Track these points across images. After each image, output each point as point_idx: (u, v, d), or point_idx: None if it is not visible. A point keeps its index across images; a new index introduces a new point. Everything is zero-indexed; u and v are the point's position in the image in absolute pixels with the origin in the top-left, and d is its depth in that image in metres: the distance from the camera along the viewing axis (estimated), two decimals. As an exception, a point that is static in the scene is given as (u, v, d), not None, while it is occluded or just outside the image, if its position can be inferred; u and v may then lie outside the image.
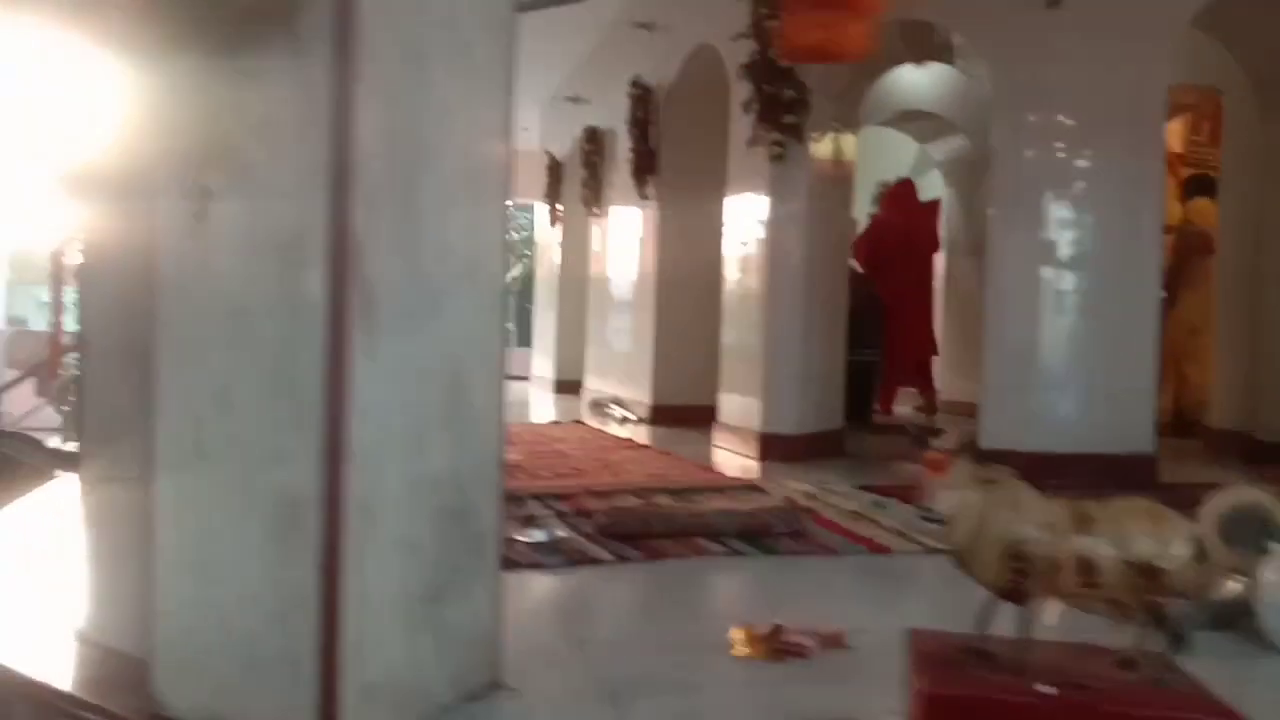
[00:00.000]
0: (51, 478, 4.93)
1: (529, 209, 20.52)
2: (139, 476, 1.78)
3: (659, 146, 6.53)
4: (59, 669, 1.92)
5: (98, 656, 1.97)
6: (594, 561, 2.82)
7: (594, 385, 7.97)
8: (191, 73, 1.62)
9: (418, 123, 1.69)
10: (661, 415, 6.43)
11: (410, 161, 1.68)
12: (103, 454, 4.03)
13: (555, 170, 9.26)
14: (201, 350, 1.67)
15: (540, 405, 8.52)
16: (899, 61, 6.15)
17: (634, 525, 3.08)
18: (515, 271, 18.34)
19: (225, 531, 1.64)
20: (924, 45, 5.98)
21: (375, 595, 1.61)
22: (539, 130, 10.25)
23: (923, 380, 7.00)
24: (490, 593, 1.88)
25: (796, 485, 4.06)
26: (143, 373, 3.95)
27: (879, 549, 3.09)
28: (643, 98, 6.58)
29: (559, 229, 9.40)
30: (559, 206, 9.32)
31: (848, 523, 3.38)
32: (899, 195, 7.00)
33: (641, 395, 6.68)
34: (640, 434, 6.00)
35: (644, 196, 6.65)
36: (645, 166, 6.54)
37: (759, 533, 3.10)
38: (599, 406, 7.28)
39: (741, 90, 4.99)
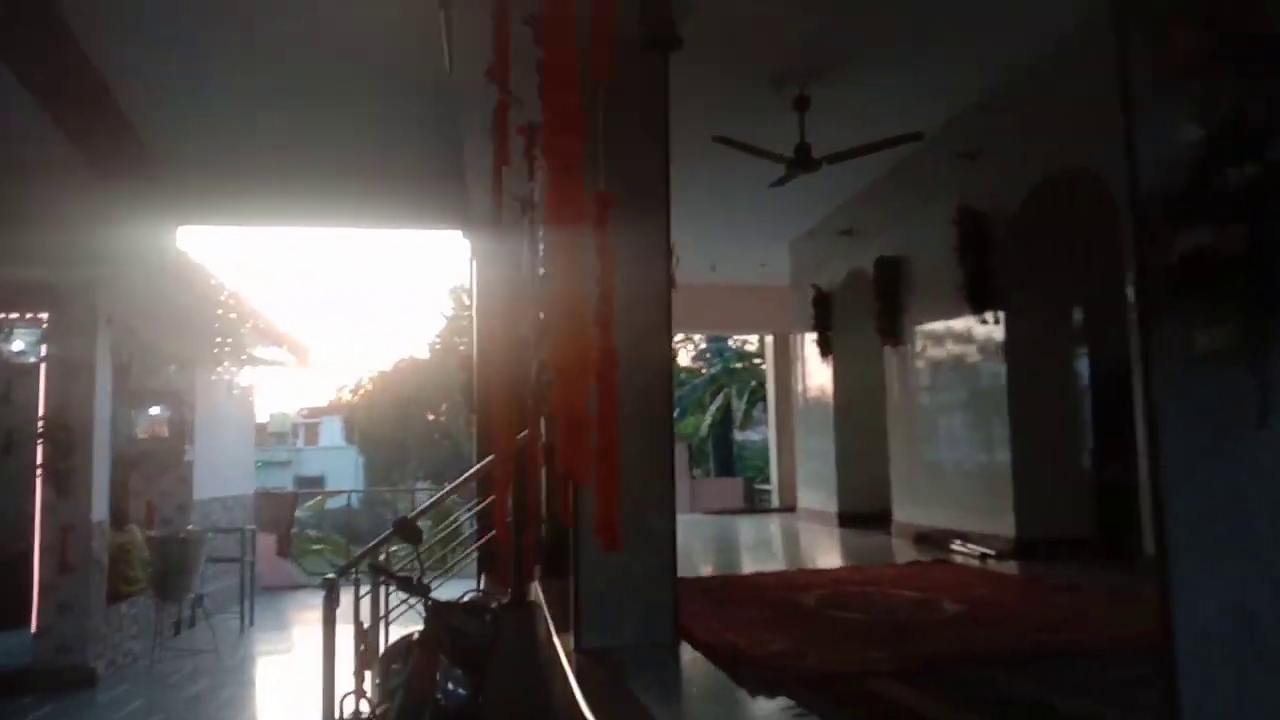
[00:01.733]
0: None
1: (723, 339, 20.95)
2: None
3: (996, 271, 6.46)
4: None
5: None
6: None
7: (909, 517, 7.72)
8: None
9: None
10: (1028, 550, 6.14)
11: None
12: (596, 625, 4.06)
13: (823, 301, 9.28)
14: (1253, 542, 1.57)
15: (831, 541, 8.28)
16: None
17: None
18: (718, 403, 18.48)
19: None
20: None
21: None
22: (788, 265, 10.41)
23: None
24: None
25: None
26: (650, 548, 3.94)
27: None
28: (973, 225, 6.55)
29: (829, 359, 9.36)
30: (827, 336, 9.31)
31: None
32: None
33: (998, 528, 6.40)
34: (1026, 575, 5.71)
35: (982, 321, 6.55)
36: (985, 292, 6.46)
37: None
38: (935, 542, 7.01)
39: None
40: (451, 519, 18.36)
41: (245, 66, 6.87)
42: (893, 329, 7.88)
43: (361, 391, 37.95)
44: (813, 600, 4.88)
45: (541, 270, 4.22)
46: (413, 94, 7.65)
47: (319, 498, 17.68)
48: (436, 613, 4.90)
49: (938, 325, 7.33)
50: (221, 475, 12.95)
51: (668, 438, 4.10)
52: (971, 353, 6.84)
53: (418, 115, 8.05)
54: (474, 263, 9.03)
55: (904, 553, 7.11)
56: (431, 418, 35.65)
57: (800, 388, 10.37)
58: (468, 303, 32.47)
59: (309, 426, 42.14)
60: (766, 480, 18.24)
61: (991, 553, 6.32)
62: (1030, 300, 6.43)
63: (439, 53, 6.96)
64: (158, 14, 6.06)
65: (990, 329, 6.53)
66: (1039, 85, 6.08)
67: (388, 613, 7.07)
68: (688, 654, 3.84)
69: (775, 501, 12.39)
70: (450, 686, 4.60)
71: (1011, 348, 6.39)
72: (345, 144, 8.32)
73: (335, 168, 8.55)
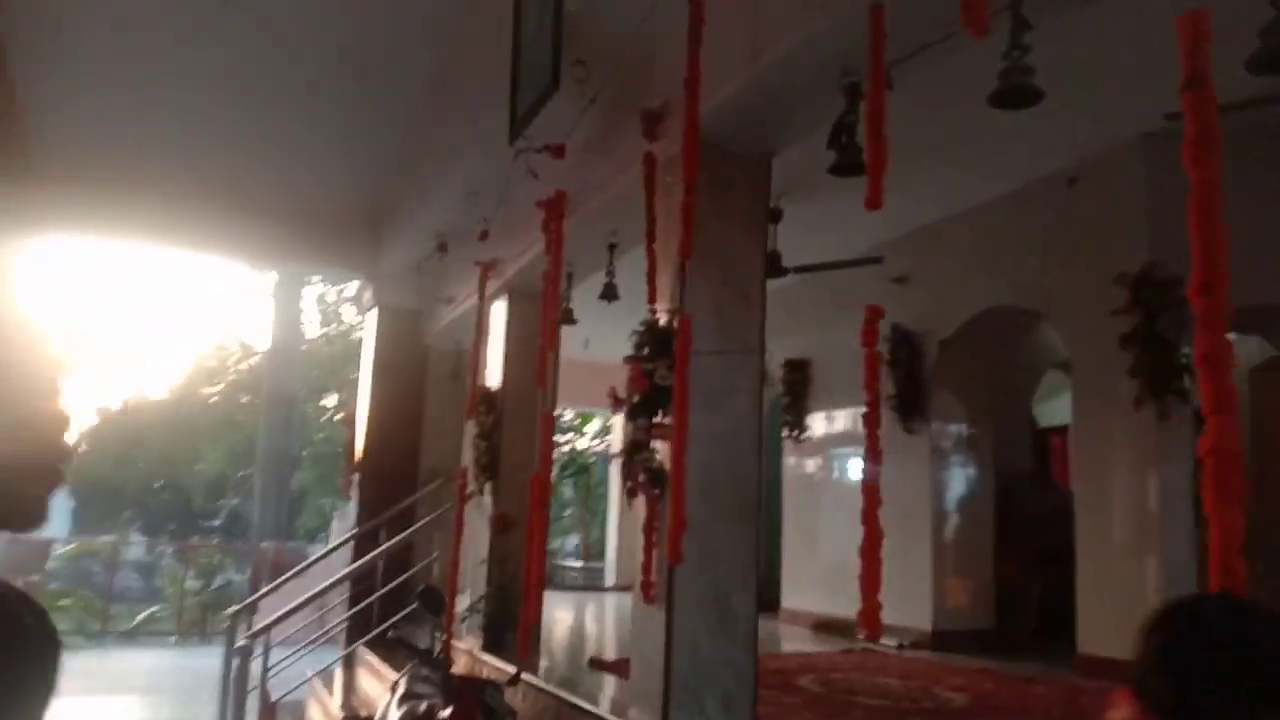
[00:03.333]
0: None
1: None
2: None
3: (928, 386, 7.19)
4: None
5: None
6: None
7: (803, 605, 8.19)
8: None
9: None
10: (940, 641, 6.75)
11: None
12: (683, 708, 4.07)
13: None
14: None
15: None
16: None
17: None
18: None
19: None
20: None
21: None
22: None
23: None
24: None
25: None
26: (736, 631, 4.05)
27: None
28: (905, 343, 7.25)
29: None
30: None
31: None
32: None
33: (913, 619, 6.95)
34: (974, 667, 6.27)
35: (909, 430, 7.20)
36: (913, 403, 7.14)
37: None
38: (837, 630, 7.47)
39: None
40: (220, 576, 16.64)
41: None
42: (797, 423, 8.43)
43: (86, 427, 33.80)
44: (816, 686, 5.11)
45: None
46: (336, 136, 7.39)
47: (75, 545, 15.58)
48: (468, 689, 4.67)
49: (851, 425, 7.94)
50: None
51: (754, 520, 4.24)
52: (890, 455, 7.47)
53: (340, 159, 7.76)
54: (377, 316, 8.66)
55: (802, 639, 7.50)
56: (159, 464, 32.39)
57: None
58: (250, 354, 29.59)
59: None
60: (570, 556, 18.28)
61: (906, 643, 6.85)
62: (952, 412, 7.20)
63: (371, 104, 6.87)
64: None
65: (915, 438, 7.19)
66: (981, 224, 6.87)
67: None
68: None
69: (610, 580, 12.46)
70: (484, 765, 4.39)
71: (936, 454, 7.09)
72: (263, 176, 7.81)
73: (246, 198, 7.96)
